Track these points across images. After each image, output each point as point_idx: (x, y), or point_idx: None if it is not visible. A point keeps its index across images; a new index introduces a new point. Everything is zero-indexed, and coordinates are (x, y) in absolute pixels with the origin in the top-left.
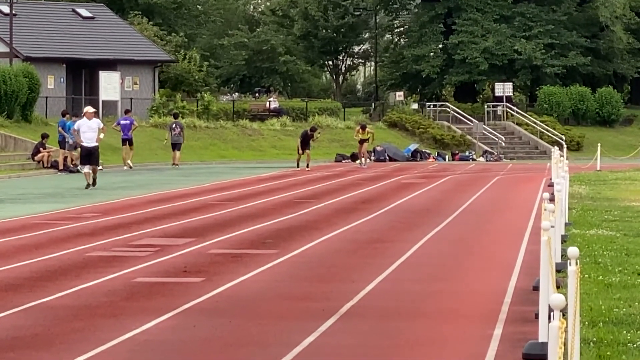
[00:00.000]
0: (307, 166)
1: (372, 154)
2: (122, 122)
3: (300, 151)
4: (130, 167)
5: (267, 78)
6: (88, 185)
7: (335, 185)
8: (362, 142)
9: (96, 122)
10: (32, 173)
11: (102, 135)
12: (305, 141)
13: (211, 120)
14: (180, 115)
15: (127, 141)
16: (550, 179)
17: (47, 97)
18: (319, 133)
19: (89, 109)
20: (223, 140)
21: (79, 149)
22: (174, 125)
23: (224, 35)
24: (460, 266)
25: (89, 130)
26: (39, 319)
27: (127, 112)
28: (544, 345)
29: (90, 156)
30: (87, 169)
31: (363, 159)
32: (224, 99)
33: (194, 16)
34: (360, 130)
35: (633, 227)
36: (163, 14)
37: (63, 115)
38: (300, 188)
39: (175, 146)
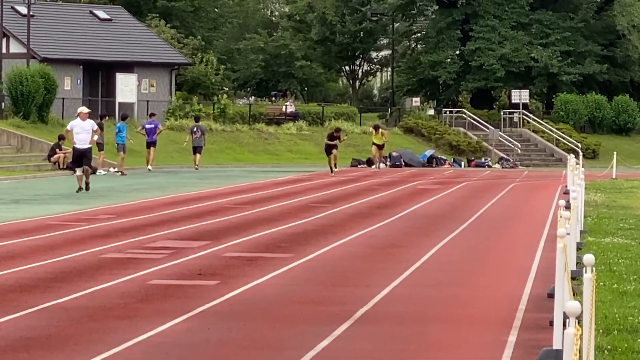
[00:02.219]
0: (331, 170)
1: (388, 159)
2: (147, 126)
3: (331, 156)
4: (149, 170)
5: (284, 82)
6: (80, 189)
7: (351, 190)
8: (378, 146)
9: (90, 124)
10: (48, 174)
11: (95, 137)
12: (332, 144)
13: (227, 123)
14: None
15: (152, 144)
16: (566, 186)
17: (63, 99)
18: (346, 135)
19: (83, 109)
20: (239, 143)
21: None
22: (195, 129)
23: (241, 39)
24: (475, 272)
25: (82, 131)
26: (53, 319)
27: (152, 115)
28: (559, 352)
29: (82, 158)
30: (79, 172)
31: (377, 163)
32: (241, 103)
33: (211, 19)
34: (373, 131)
35: None
36: (181, 17)
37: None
38: (316, 192)
39: (196, 149)
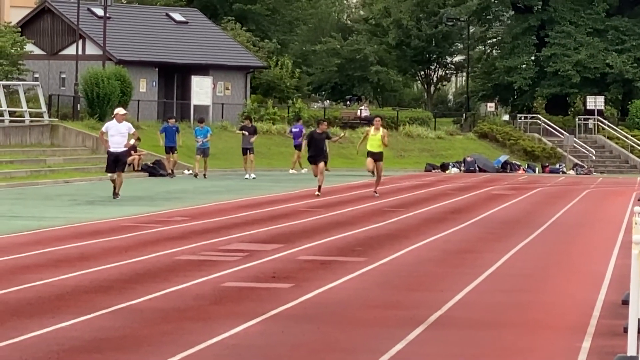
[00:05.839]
0: (319, 189)
1: (462, 164)
2: (294, 130)
3: (314, 166)
4: (300, 171)
5: (359, 86)
6: (116, 194)
7: (425, 194)
8: (373, 156)
9: (126, 126)
10: (123, 175)
11: (132, 141)
12: (318, 147)
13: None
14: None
15: (297, 147)
16: None
17: (138, 101)
18: (342, 135)
19: (119, 110)
20: None
21: (173, 153)
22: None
23: (316, 42)
24: (549, 278)
25: (117, 134)
26: (127, 320)
27: (298, 120)
28: (633, 359)
29: (117, 162)
30: (113, 176)
31: (376, 184)
32: (315, 106)
33: (286, 22)
34: (371, 129)
35: None
36: (256, 20)
37: (167, 120)
38: (390, 197)
39: None
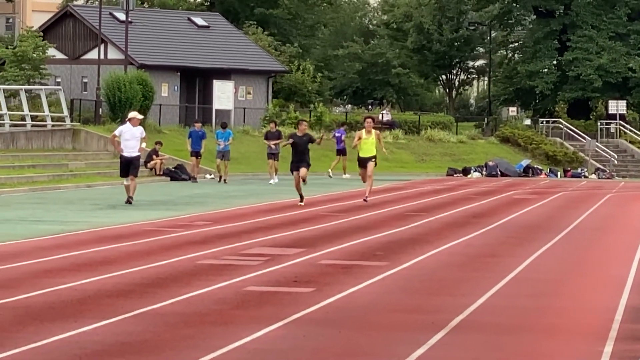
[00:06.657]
0: (302, 199)
1: (484, 168)
2: (337, 134)
3: (295, 173)
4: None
5: (380, 90)
6: (129, 200)
7: (447, 199)
8: (363, 162)
9: (140, 130)
10: (144, 180)
11: (144, 145)
12: (301, 152)
13: (324, 131)
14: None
15: (341, 152)
16: None
17: (160, 105)
18: (323, 136)
19: (135, 114)
20: (335, 151)
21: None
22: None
23: (338, 46)
24: (570, 282)
25: (132, 138)
26: (149, 325)
27: (342, 124)
28: None
29: (130, 167)
30: (126, 181)
31: (368, 187)
32: (337, 111)
33: (308, 26)
34: (362, 133)
35: None
36: (278, 24)
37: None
38: (411, 201)
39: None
